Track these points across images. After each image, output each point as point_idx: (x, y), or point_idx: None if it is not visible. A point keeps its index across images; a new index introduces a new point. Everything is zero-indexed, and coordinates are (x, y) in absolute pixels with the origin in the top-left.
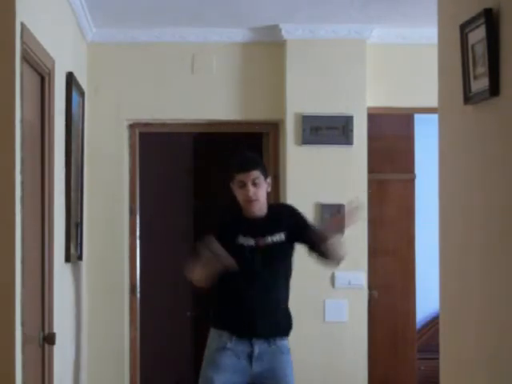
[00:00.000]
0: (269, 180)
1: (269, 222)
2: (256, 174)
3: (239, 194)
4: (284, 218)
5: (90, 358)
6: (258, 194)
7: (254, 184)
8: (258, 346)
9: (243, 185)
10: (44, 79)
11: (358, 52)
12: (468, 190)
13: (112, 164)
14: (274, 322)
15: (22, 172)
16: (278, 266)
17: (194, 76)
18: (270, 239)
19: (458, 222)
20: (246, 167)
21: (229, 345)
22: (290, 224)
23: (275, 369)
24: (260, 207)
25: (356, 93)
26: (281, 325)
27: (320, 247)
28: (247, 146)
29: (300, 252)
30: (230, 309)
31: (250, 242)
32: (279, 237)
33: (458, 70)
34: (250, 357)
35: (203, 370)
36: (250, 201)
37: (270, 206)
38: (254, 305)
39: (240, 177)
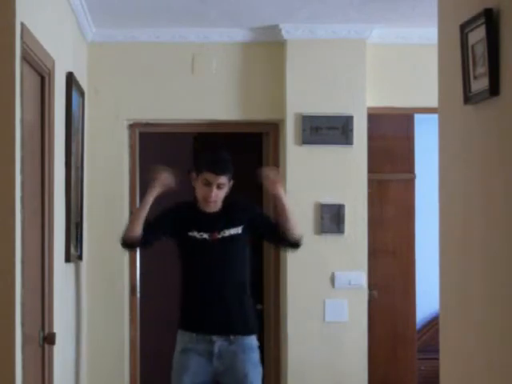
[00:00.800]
0: (231, 183)
1: (224, 216)
2: (224, 179)
3: (201, 190)
4: (239, 211)
5: (89, 358)
6: (218, 196)
7: (219, 187)
8: (219, 344)
9: (208, 184)
10: (44, 79)
11: (358, 52)
12: (468, 190)
13: (112, 164)
14: (233, 317)
15: (22, 172)
16: (235, 258)
17: (193, 76)
18: (226, 232)
19: (458, 222)
20: (218, 170)
21: (190, 345)
22: (246, 217)
23: (234, 368)
24: (215, 206)
25: (356, 93)
26: (241, 321)
27: (279, 231)
28: (247, 145)
29: (300, 252)
30: (189, 307)
31: (204, 235)
32: (235, 230)
33: (458, 70)
34: (211, 355)
35: (172, 374)
36: (209, 201)
37: (225, 202)
38: (211, 299)
39: (208, 176)
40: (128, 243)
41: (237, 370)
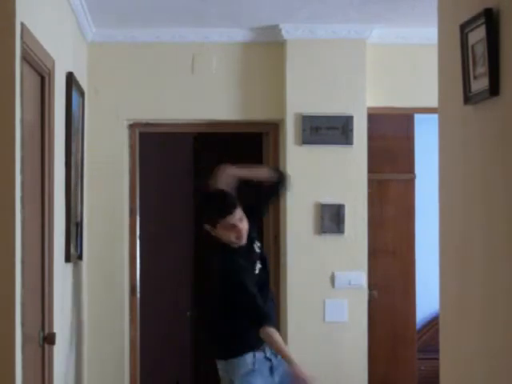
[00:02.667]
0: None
1: (256, 248)
2: (239, 211)
3: (228, 235)
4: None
5: (89, 358)
6: (245, 228)
7: (241, 220)
8: (273, 357)
9: (232, 226)
10: (44, 79)
11: (358, 52)
12: (468, 189)
13: (112, 164)
14: None
15: (22, 172)
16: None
17: (193, 76)
18: (260, 250)
19: (457, 222)
20: (230, 210)
21: (255, 366)
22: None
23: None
24: (245, 237)
25: (356, 93)
26: None
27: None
28: (247, 145)
29: (300, 252)
30: (245, 333)
31: (258, 265)
32: (259, 245)
33: (458, 70)
34: (271, 368)
35: None
36: (242, 238)
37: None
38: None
39: (227, 220)
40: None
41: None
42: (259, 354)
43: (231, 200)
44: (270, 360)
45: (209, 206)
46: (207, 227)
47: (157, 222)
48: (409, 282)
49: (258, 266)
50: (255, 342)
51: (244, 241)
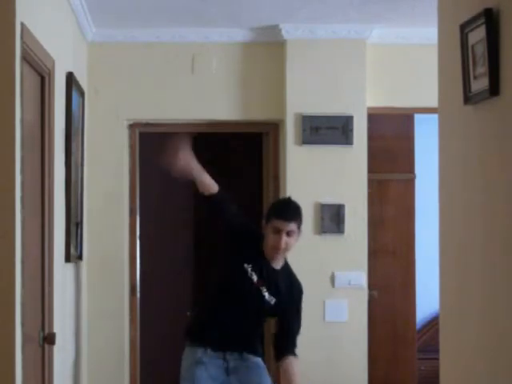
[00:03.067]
0: (300, 233)
1: (277, 279)
2: (294, 226)
3: (270, 239)
4: (288, 289)
5: (89, 358)
6: (288, 244)
7: (288, 234)
8: (233, 361)
9: (278, 232)
10: (44, 79)
11: (358, 52)
12: (468, 189)
13: (112, 164)
14: (245, 344)
15: (22, 172)
16: (257, 317)
17: (194, 76)
18: (266, 293)
19: (458, 222)
20: (288, 217)
21: (204, 358)
22: (286, 300)
23: (250, 380)
24: (282, 257)
25: (356, 93)
26: (252, 348)
27: (283, 342)
28: (247, 145)
29: (300, 252)
30: (207, 325)
31: (254, 276)
32: (271, 299)
33: (458, 70)
34: (227, 369)
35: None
36: (278, 249)
37: (286, 266)
38: (230, 328)
39: (278, 223)
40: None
41: (252, 380)
42: (213, 353)
43: (297, 211)
44: (226, 361)
45: (278, 203)
46: (262, 222)
47: (157, 221)
48: (409, 282)
49: (254, 276)
50: (212, 341)
51: (276, 257)
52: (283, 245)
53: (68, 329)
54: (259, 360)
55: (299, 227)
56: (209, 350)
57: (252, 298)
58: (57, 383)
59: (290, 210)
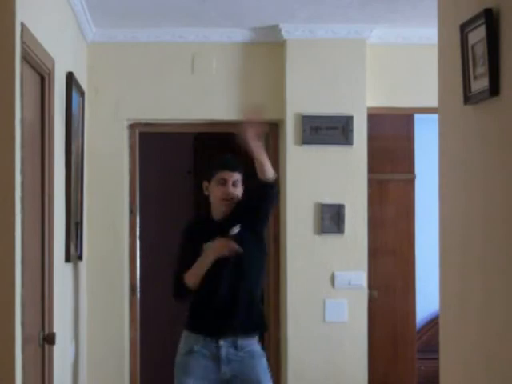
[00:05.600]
0: (242, 187)
1: (231, 219)
2: (238, 176)
3: (217, 192)
4: (240, 204)
5: (89, 358)
6: (235, 194)
7: (234, 184)
8: (225, 349)
9: (224, 182)
10: (44, 79)
11: (358, 52)
12: (468, 189)
13: (112, 164)
14: (242, 319)
15: (22, 172)
16: (248, 261)
17: (194, 76)
18: (230, 232)
19: (457, 222)
20: (231, 167)
21: (196, 347)
22: (241, 211)
23: (245, 375)
24: (231, 205)
25: (356, 93)
26: (249, 323)
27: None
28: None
29: (300, 252)
30: (200, 309)
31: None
32: (234, 230)
33: (458, 70)
34: (218, 359)
35: (175, 376)
36: (227, 199)
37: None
38: (221, 305)
39: (223, 174)
40: (185, 299)
41: (249, 377)
42: (205, 340)
43: (236, 161)
44: (218, 348)
45: (218, 158)
46: (204, 183)
47: (157, 222)
48: (409, 282)
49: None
50: (206, 324)
51: (226, 208)
52: (231, 194)
53: (68, 329)
54: (254, 348)
55: (242, 180)
56: (201, 338)
57: (226, 250)
58: (57, 383)
59: (232, 161)
